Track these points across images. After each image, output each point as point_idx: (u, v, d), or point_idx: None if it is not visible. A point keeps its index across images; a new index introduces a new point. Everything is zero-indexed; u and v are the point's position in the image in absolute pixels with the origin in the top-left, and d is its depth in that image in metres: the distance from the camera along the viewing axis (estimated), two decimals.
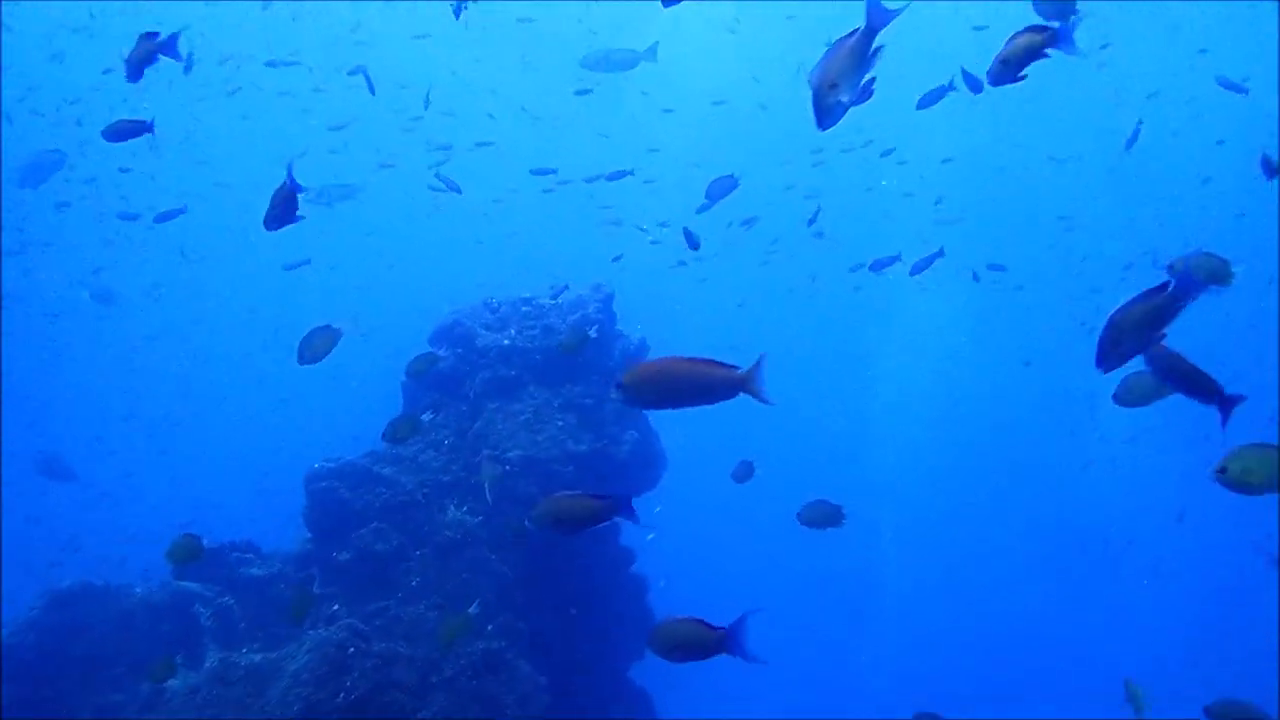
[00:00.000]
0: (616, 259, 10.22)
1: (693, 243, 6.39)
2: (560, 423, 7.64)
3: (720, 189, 5.61)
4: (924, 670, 20.85)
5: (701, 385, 2.78)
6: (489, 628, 6.94)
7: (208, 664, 7.07)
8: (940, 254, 8.35)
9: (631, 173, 9.21)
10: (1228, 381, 3.16)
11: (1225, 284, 3.61)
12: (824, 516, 5.11)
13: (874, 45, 2.73)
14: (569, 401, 7.79)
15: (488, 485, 6.57)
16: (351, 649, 5.67)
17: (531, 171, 10.89)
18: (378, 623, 6.75)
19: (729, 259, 17.52)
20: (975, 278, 12.59)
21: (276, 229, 3.68)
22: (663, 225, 13.17)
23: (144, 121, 4.65)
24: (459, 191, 6.64)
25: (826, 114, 2.81)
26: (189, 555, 4.96)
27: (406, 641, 6.63)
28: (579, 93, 11.73)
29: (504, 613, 7.07)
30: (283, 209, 3.63)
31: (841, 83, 2.76)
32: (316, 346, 4.43)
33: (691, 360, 2.79)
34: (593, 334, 4.34)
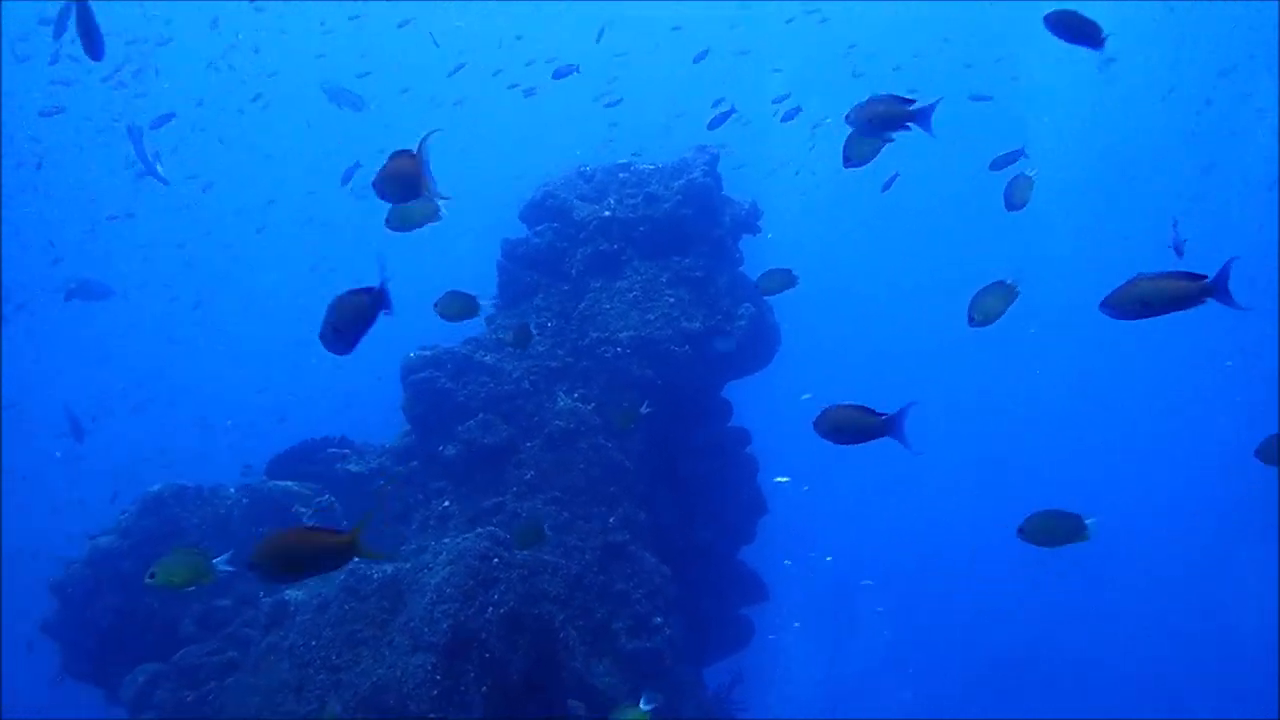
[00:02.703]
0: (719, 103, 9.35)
1: None
2: (671, 298, 7.01)
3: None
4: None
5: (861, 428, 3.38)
6: (610, 520, 6.56)
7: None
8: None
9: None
10: None
11: None
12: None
13: None
14: (678, 275, 7.13)
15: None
16: (495, 559, 5.23)
17: None
18: (495, 519, 6.35)
19: None
20: None
21: None
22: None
23: None
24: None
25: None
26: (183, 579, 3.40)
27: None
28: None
29: (625, 503, 6.66)
30: None
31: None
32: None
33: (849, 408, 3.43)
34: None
